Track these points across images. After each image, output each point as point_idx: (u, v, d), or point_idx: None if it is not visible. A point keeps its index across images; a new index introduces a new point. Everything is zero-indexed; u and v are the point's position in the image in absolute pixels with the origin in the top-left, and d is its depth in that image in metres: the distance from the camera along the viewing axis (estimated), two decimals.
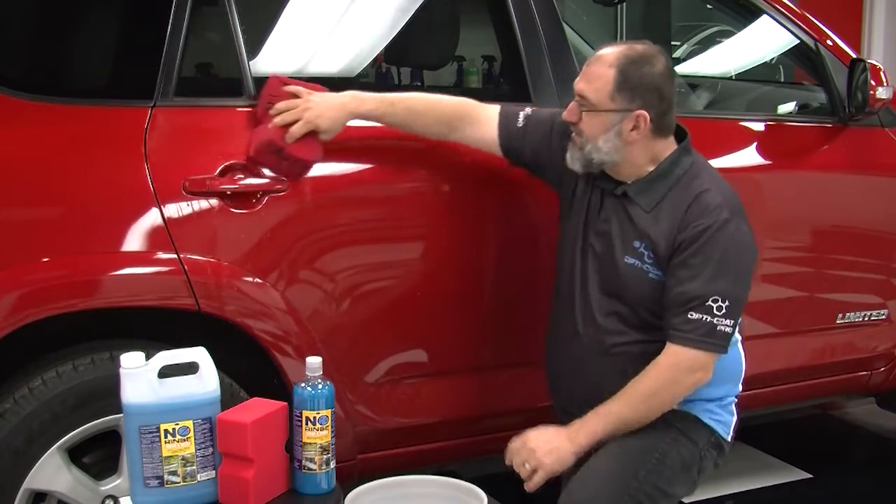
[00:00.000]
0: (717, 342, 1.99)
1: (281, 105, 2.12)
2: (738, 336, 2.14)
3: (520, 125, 2.23)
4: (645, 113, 2.01)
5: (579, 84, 2.07)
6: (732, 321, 1.99)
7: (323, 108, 2.12)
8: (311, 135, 2.12)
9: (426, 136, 2.26)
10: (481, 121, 2.24)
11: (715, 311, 1.97)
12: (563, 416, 2.18)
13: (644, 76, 2.01)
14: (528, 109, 2.26)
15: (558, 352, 2.25)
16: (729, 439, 2.17)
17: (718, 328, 1.98)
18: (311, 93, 2.15)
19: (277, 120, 2.10)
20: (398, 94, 2.23)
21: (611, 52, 2.04)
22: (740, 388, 2.21)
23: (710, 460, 2.14)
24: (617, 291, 2.11)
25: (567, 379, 2.22)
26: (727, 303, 1.98)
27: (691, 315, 1.98)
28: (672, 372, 2.02)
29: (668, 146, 2.10)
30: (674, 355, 2.00)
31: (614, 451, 2.03)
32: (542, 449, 2.01)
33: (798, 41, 2.92)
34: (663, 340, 2.04)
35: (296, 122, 2.10)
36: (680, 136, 2.13)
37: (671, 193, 2.06)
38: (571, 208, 2.21)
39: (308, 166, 2.14)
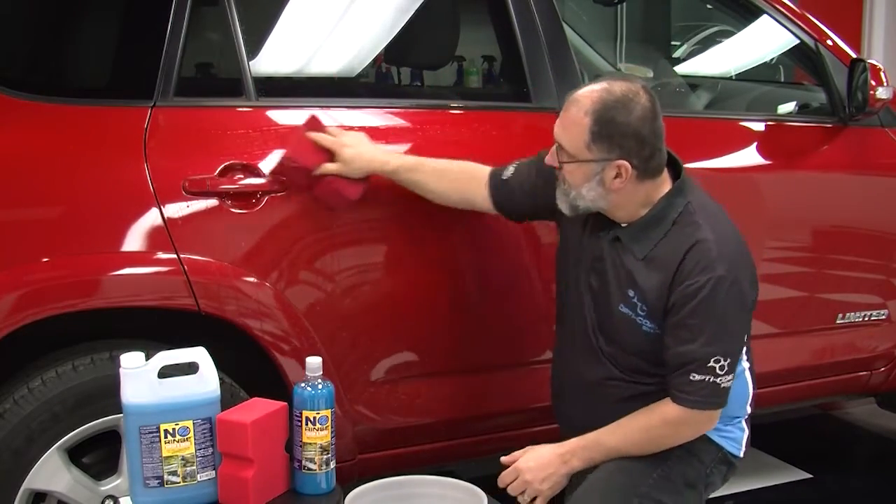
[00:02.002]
0: (719, 400, 1.97)
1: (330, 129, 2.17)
2: (745, 364, 2.11)
3: (505, 178, 2.18)
4: (625, 162, 1.93)
5: (557, 130, 1.99)
6: (732, 374, 1.96)
7: (357, 150, 2.16)
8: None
9: (443, 202, 2.24)
10: (482, 183, 2.20)
11: (717, 370, 1.93)
12: (564, 433, 2.18)
13: (620, 125, 1.91)
14: (517, 162, 2.21)
15: (559, 382, 2.25)
16: (740, 454, 2.14)
17: (721, 386, 1.95)
18: (350, 132, 2.19)
19: (317, 135, 2.15)
20: (421, 158, 2.23)
21: (586, 97, 1.94)
22: (749, 409, 2.17)
23: (717, 476, 2.11)
24: (611, 335, 2.08)
25: (564, 407, 2.22)
26: (728, 360, 1.94)
27: (693, 377, 1.93)
28: (679, 428, 2.00)
29: (661, 186, 2.01)
30: (675, 412, 1.97)
31: (617, 465, 2.01)
32: (537, 477, 2.01)
33: (798, 41, 2.92)
34: (656, 385, 2.03)
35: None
36: (677, 169, 2.05)
37: (665, 241, 1.98)
38: (569, 243, 2.16)
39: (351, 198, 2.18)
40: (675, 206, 2.00)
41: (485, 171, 2.22)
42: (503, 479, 2.05)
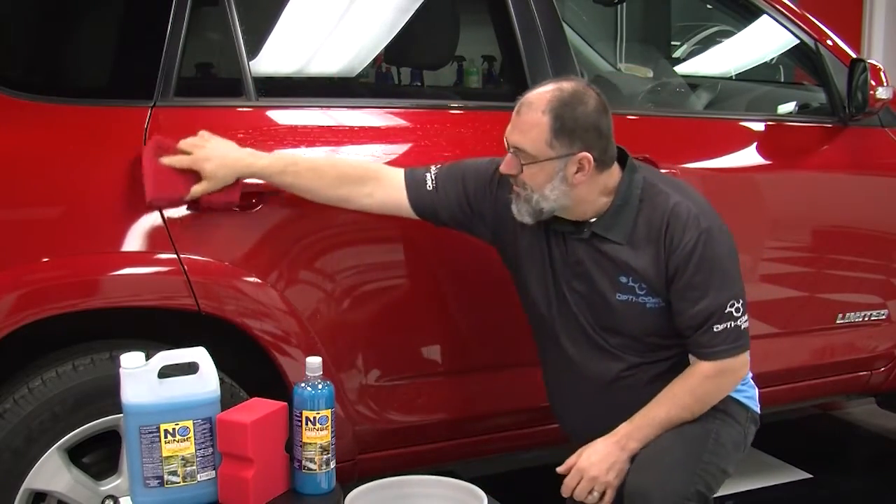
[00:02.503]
0: (745, 342, 2.04)
1: (187, 140, 2.04)
2: None
3: (429, 188, 2.14)
4: (587, 154, 1.96)
5: (513, 136, 1.99)
6: (747, 314, 2.04)
7: (216, 154, 2.02)
8: (185, 176, 2.01)
9: (328, 202, 2.12)
10: (391, 184, 2.14)
11: (734, 313, 2.00)
12: (574, 441, 2.18)
13: (579, 117, 1.95)
14: (434, 168, 2.16)
15: (560, 393, 2.25)
16: (759, 411, 2.20)
17: (743, 328, 2.02)
18: (214, 138, 2.06)
19: (173, 162, 2.00)
20: (300, 155, 2.15)
21: (541, 98, 1.97)
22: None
23: (750, 436, 2.18)
24: (615, 327, 2.09)
25: (575, 415, 2.22)
26: (741, 301, 2.02)
27: (716, 328, 2.00)
28: (719, 379, 2.05)
29: (615, 173, 2.06)
30: (712, 368, 2.03)
31: (673, 438, 2.04)
32: (602, 469, 2.01)
33: (798, 41, 2.92)
34: (676, 356, 2.06)
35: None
36: (621, 154, 2.08)
37: (640, 218, 2.03)
38: (524, 258, 2.14)
39: (147, 191, 1.99)
40: (635, 183, 2.06)
41: (392, 172, 2.16)
42: (568, 485, 2.04)
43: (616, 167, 2.06)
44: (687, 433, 2.04)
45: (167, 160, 2.01)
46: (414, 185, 2.15)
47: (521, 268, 2.17)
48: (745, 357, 2.06)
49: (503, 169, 2.02)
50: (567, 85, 2.00)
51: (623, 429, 2.05)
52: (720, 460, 2.05)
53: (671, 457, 2.01)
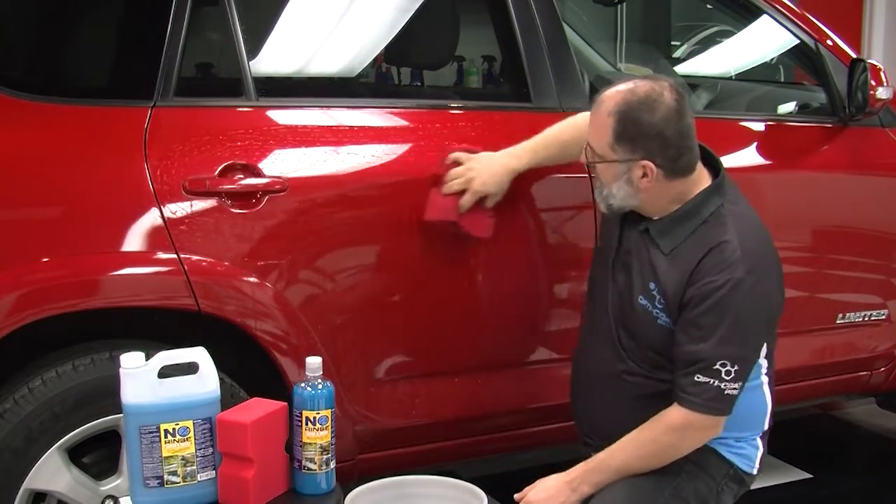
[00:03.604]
0: (724, 407, 1.94)
1: (451, 174, 2.23)
2: (764, 378, 2.09)
3: None
4: (649, 163, 1.93)
5: (588, 131, 2.03)
6: (740, 383, 1.93)
7: (487, 175, 2.21)
8: (481, 204, 2.25)
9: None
10: None
11: (723, 375, 1.90)
12: (582, 446, 2.18)
13: (643, 125, 1.91)
14: None
15: (578, 372, 2.24)
16: (753, 472, 2.11)
17: (725, 392, 1.92)
18: (470, 157, 2.23)
19: (446, 189, 2.22)
20: (545, 134, 2.28)
21: (611, 98, 1.95)
22: (767, 426, 2.14)
23: (728, 494, 2.08)
24: (631, 329, 2.07)
25: (582, 400, 2.21)
26: (736, 367, 1.91)
27: (698, 378, 1.91)
28: (683, 433, 1.97)
29: (697, 183, 2.00)
30: (679, 417, 1.95)
31: (625, 487, 1.99)
32: None
33: (798, 41, 2.92)
34: (668, 384, 2.01)
35: (464, 191, 2.21)
36: (716, 167, 2.04)
37: (692, 238, 1.97)
38: (606, 229, 2.18)
39: (479, 236, 2.29)
40: (710, 204, 1.99)
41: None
42: None
43: (701, 180, 2.01)
44: (640, 483, 1.98)
45: (462, 208, 2.23)
46: None
47: (601, 252, 2.19)
48: (718, 421, 1.96)
49: (581, 159, 2.07)
50: (643, 87, 1.94)
51: (579, 469, 2.02)
52: None
53: None
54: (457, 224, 2.24)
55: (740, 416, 2.01)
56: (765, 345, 2.04)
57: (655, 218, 2.03)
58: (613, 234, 2.13)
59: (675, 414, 1.96)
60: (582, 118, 2.21)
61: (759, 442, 2.12)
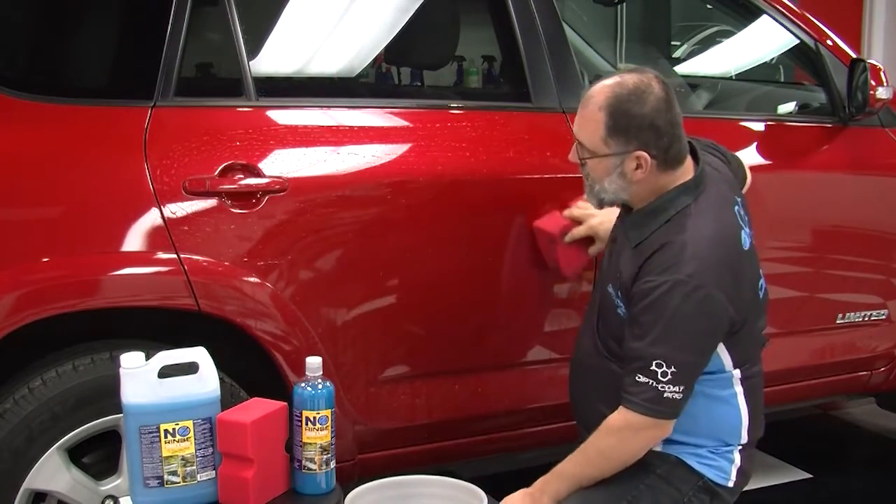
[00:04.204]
0: (664, 409, 1.90)
1: (580, 203, 2.29)
2: (738, 389, 2.03)
3: None
4: (644, 153, 1.93)
5: (575, 128, 2.01)
6: (682, 387, 1.88)
7: (607, 221, 2.22)
8: (583, 245, 2.30)
9: None
10: None
11: (659, 376, 1.87)
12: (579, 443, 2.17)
13: (635, 116, 1.91)
14: None
15: (572, 362, 2.24)
16: (728, 484, 2.04)
17: (665, 395, 1.88)
18: (584, 211, 2.29)
19: (574, 212, 2.30)
20: None
21: (599, 93, 1.94)
22: (745, 439, 2.07)
23: None
24: (603, 315, 2.08)
25: (573, 391, 2.21)
26: (672, 369, 1.86)
27: (638, 377, 1.89)
28: (621, 434, 1.94)
29: (676, 179, 1.98)
30: (622, 417, 1.92)
31: (577, 500, 1.97)
32: None
33: (798, 41, 2.92)
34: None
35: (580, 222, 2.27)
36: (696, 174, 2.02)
37: (655, 234, 1.96)
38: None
39: (561, 273, 2.34)
40: (678, 203, 1.98)
41: None
42: None
43: (687, 171, 2.00)
44: (593, 496, 1.96)
45: (570, 238, 2.30)
46: None
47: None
48: (662, 424, 1.92)
49: (570, 157, 2.05)
50: (630, 79, 1.94)
51: (539, 481, 2.00)
52: None
53: None
54: (553, 243, 2.31)
55: (711, 425, 2.00)
56: (728, 354, 1.99)
57: (635, 209, 2.04)
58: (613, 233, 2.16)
59: (615, 416, 1.94)
60: None
61: (737, 455, 2.06)
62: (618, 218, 2.13)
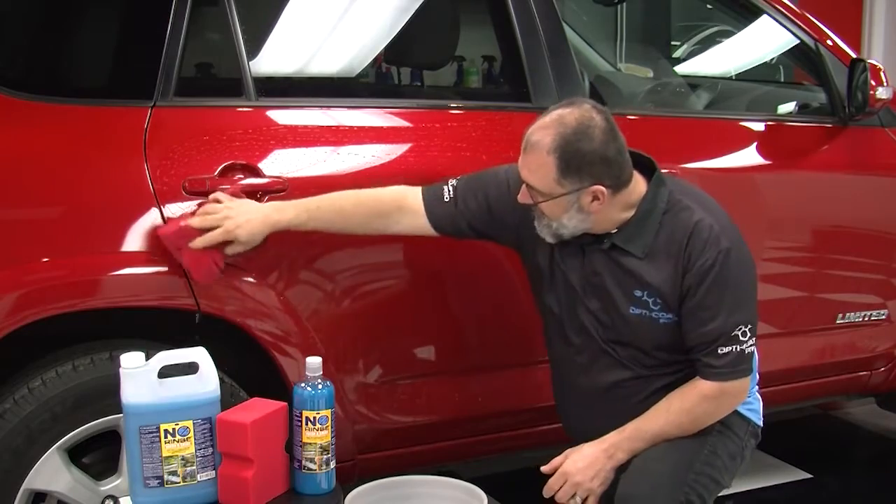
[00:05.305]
0: (747, 366, 2.02)
1: (206, 207, 2.04)
2: None
3: (447, 199, 2.12)
4: (599, 187, 1.94)
5: (523, 172, 1.98)
6: (755, 338, 2.02)
7: (243, 220, 2.03)
8: (217, 249, 2.03)
9: (362, 234, 2.17)
10: (413, 210, 2.13)
11: (741, 337, 1.98)
12: (575, 442, 2.17)
13: (585, 154, 1.91)
14: (452, 181, 2.14)
15: (563, 393, 2.24)
16: (761, 424, 2.19)
17: (746, 352, 2.00)
18: (232, 199, 2.06)
19: (195, 221, 2.02)
20: (322, 197, 2.11)
21: (544, 136, 1.92)
22: (758, 377, 2.19)
23: (749, 449, 2.16)
24: (625, 339, 2.07)
25: (575, 416, 2.21)
26: (749, 325, 1.99)
27: (721, 350, 1.98)
28: (714, 402, 2.02)
29: (638, 187, 2.02)
30: (711, 389, 2.01)
31: (666, 447, 2.03)
32: (586, 475, 2.01)
33: (798, 41, 2.92)
34: (682, 371, 2.05)
35: (214, 227, 2.02)
36: (647, 166, 2.05)
37: (661, 232, 2.01)
38: (544, 266, 2.13)
39: (194, 278, 2.06)
40: (660, 196, 2.03)
41: (412, 197, 2.14)
42: (551, 486, 2.04)
43: (640, 181, 2.03)
44: (680, 443, 2.03)
45: (200, 242, 2.01)
46: (431, 204, 2.13)
47: (541, 275, 2.15)
48: (746, 382, 2.04)
49: (520, 199, 2.02)
50: (570, 117, 1.93)
51: (613, 437, 2.04)
52: (714, 471, 2.04)
53: (663, 466, 2.00)
54: (179, 254, 2.03)
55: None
56: None
57: (614, 231, 2.03)
58: (556, 270, 2.11)
59: (705, 386, 2.01)
60: (367, 195, 2.12)
61: (757, 393, 2.19)
62: (573, 247, 2.07)
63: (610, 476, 2.03)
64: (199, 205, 2.06)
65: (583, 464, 2.02)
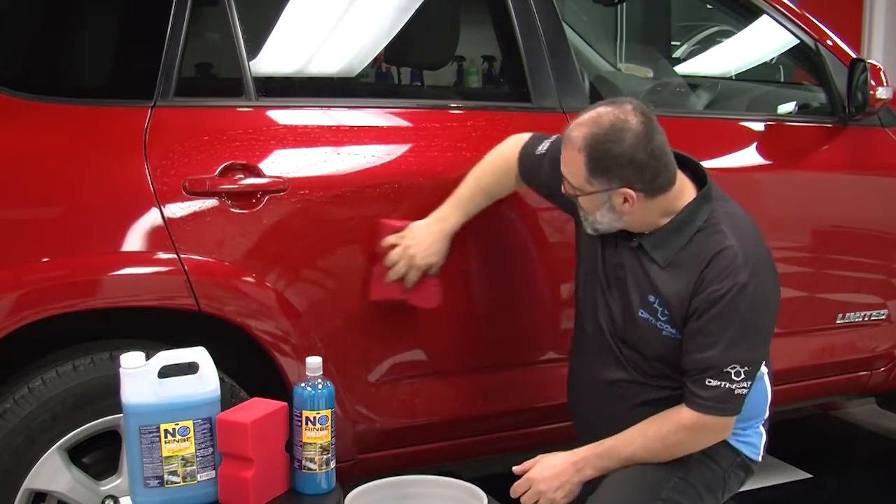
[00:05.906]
0: (732, 407, 1.97)
1: (391, 258, 2.21)
2: (765, 369, 2.09)
3: (538, 154, 2.20)
4: (628, 189, 1.93)
5: (562, 165, 2.01)
6: (750, 382, 1.96)
7: (424, 247, 2.21)
8: (425, 274, 2.23)
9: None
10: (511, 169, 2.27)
11: (733, 376, 1.93)
12: (578, 433, 2.19)
13: (614, 157, 1.91)
14: (554, 137, 2.17)
15: (577, 383, 2.23)
16: (758, 459, 2.14)
17: (735, 392, 1.94)
18: (402, 235, 2.21)
19: (392, 275, 2.21)
20: (465, 186, 2.25)
21: (578, 133, 1.94)
22: (767, 413, 2.16)
23: (735, 481, 2.11)
24: (630, 340, 2.07)
25: (584, 411, 2.21)
26: (745, 368, 1.93)
27: (709, 382, 1.93)
28: (690, 433, 1.99)
29: (681, 194, 2.00)
30: (690, 419, 1.97)
31: (634, 473, 2.00)
32: (551, 486, 2.00)
33: (798, 41, 2.92)
34: (676, 389, 2.02)
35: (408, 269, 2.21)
36: (702, 177, 2.04)
37: (689, 247, 1.98)
38: (585, 242, 2.15)
39: (428, 308, 2.29)
40: (702, 213, 1.99)
41: (513, 157, 2.26)
42: (516, 489, 2.03)
43: (686, 190, 2.01)
44: (651, 469, 2.00)
45: (410, 285, 2.23)
46: (524, 155, 2.24)
47: (585, 254, 2.17)
48: (729, 422, 1.99)
49: (563, 190, 2.05)
50: (606, 117, 1.93)
51: (587, 450, 2.03)
52: (684, 500, 2.01)
53: (628, 491, 1.98)
54: (404, 301, 2.25)
55: (748, 405, 2.03)
56: None
57: (647, 233, 2.02)
58: (595, 251, 2.11)
59: (686, 415, 1.97)
60: (494, 156, 2.28)
61: (762, 429, 2.15)
62: (604, 243, 2.09)
63: (576, 490, 2.01)
64: (383, 253, 2.21)
65: (549, 473, 2.01)
